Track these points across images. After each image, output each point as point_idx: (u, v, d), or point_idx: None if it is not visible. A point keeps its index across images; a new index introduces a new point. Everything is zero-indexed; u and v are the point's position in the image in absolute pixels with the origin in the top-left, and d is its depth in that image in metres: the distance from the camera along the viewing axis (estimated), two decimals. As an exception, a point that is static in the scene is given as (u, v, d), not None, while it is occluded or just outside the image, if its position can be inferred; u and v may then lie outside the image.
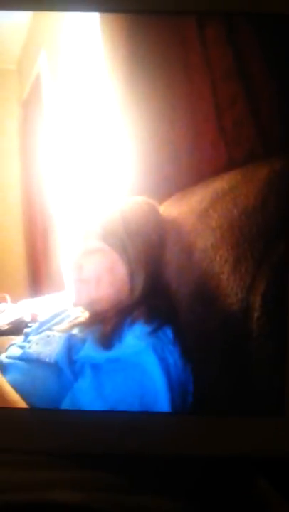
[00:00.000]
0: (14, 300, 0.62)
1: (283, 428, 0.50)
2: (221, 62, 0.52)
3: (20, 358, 0.57)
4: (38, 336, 0.59)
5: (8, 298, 0.61)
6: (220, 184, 0.53)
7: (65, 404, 0.52)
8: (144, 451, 0.50)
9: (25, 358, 0.57)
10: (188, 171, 0.55)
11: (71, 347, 0.55)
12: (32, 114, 0.60)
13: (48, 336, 0.58)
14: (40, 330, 0.61)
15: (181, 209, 0.55)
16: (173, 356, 0.51)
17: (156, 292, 0.54)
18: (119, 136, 0.55)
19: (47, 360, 0.55)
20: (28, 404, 0.52)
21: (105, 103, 0.56)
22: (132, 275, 0.55)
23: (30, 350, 0.57)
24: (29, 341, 0.60)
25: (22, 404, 0.52)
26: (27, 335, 0.61)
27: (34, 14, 0.54)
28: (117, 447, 0.50)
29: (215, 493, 0.46)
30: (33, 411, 0.52)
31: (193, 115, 0.54)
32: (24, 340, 0.61)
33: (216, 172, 0.54)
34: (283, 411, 0.49)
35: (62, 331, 0.58)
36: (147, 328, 0.52)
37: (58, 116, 0.59)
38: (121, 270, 0.55)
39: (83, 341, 0.55)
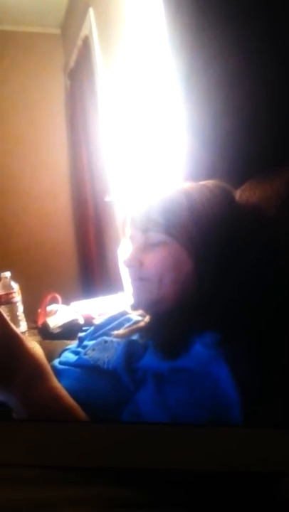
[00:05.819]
0: (66, 301, 0.57)
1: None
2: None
3: (75, 365, 0.52)
4: (93, 341, 0.54)
5: (59, 298, 0.56)
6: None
7: (125, 416, 0.46)
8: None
9: (80, 365, 0.52)
10: (270, 150, 0.45)
11: (131, 354, 0.49)
12: (80, 85, 0.52)
13: (106, 342, 0.52)
14: (95, 335, 0.56)
15: (261, 194, 0.46)
16: (246, 367, 0.43)
17: (229, 293, 0.46)
18: (184, 109, 0.46)
19: (104, 367, 0.50)
20: (84, 412, 0.47)
21: (168, 69, 0.46)
22: (199, 272, 0.47)
23: (86, 357, 0.52)
24: (84, 346, 0.55)
25: (78, 410, 0.47)
26: (81, 339, 0.57)
27: None
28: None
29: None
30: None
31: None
32: (79, 346, 0.56)
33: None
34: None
35: (121, 337, 0.52)
36: (219, 337, 0.44)
37: (111, 86, 0.51)
38: (187, 266, 0.48)
39: (144, 348, 0.49)
